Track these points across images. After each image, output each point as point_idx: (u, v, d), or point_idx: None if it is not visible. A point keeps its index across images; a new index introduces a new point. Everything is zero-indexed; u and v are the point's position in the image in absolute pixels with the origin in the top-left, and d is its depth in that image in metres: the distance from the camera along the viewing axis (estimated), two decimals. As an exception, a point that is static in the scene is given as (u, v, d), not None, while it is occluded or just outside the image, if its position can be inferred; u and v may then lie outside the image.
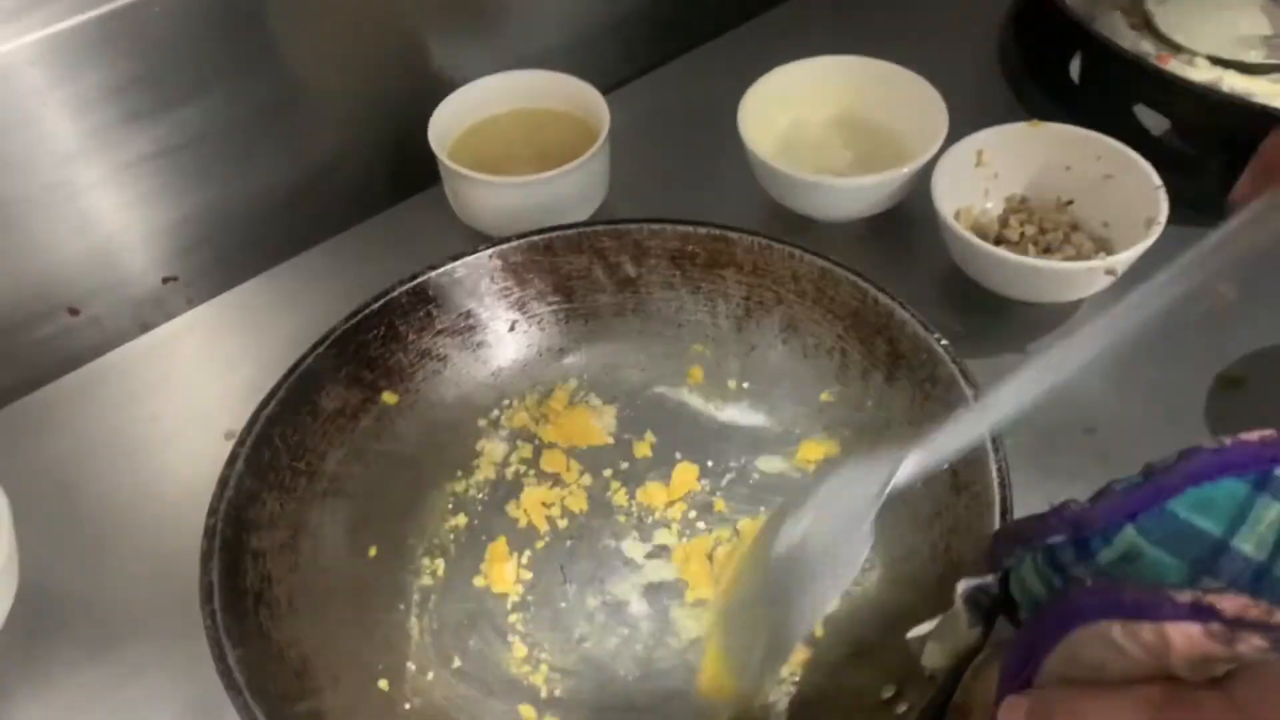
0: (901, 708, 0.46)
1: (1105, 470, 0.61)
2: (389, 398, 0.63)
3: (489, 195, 0.74)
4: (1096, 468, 0.62)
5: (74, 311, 0.74)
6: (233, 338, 0.76)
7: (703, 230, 0.64)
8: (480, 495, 0.64)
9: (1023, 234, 0.71)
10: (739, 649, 0.53)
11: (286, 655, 0.51)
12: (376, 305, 0.63)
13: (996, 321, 0.71)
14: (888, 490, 0.46)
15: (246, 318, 0.77)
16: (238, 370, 0.73)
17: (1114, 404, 0.66)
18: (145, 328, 0.76)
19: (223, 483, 0.54)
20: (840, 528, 0.47)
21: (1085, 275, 0.66)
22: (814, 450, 0.63)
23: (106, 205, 0.73)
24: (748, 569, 0.54)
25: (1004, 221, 0.72)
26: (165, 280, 0.77)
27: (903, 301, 0.59)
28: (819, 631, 0.55)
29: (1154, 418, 0.66)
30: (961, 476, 0.54)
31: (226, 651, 0.48)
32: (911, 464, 0.46)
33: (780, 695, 0.53)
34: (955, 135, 0.71)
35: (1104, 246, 0.70)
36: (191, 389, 0.73)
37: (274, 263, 0.80)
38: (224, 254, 0.80)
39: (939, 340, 0.57)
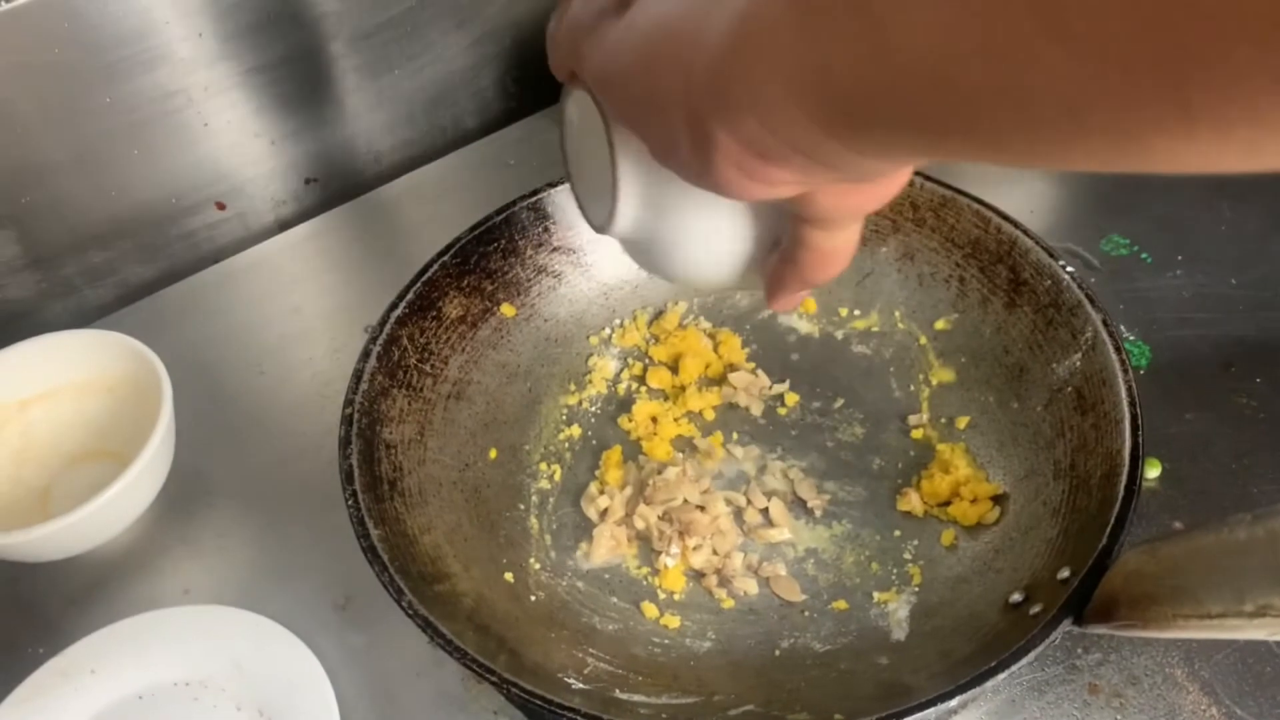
0: (1035, 609, 0.46)
1: (1239, 404, 0.62)
2: (507, 310, 0.64)
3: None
4: (1230, 402, 0.63)
5: (221, 206, 0.77)
6: (369, 238, 0.78)
7: (821, 157, 0.65)
8: (593, 408, 0.65)
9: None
10: None
11: (420, 541, 0.53)
12: (499, 219, 0.64)
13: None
14: None
15: (382, 220, 0.79)
16: (375, 269, 0.75)
17: (1254, 342, 0.66)
18: (285, 225, 0.80)
19: (357, 375, 0.56)
20: None
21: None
22: (930, 378, 0.63)
23: (253, 104, 0.76)
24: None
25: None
26: (307, 181, 0.80)
27: (1026, 229, 0.59)
28: (946, 540, 0.56)
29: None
30: (1088, 398, 0.54)
31: (369, 530, 0.50)
32: None
33: (901, 603, 0.54)
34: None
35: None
36: (330, 285, 0.75)
37: (410, 168, 0.82)
38: (362, 158, 0.83)
39: (1064, 267, 0.57)
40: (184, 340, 0.71)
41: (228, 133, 0.76)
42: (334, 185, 0.82)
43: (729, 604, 0.56)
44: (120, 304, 0.75)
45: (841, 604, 0.55)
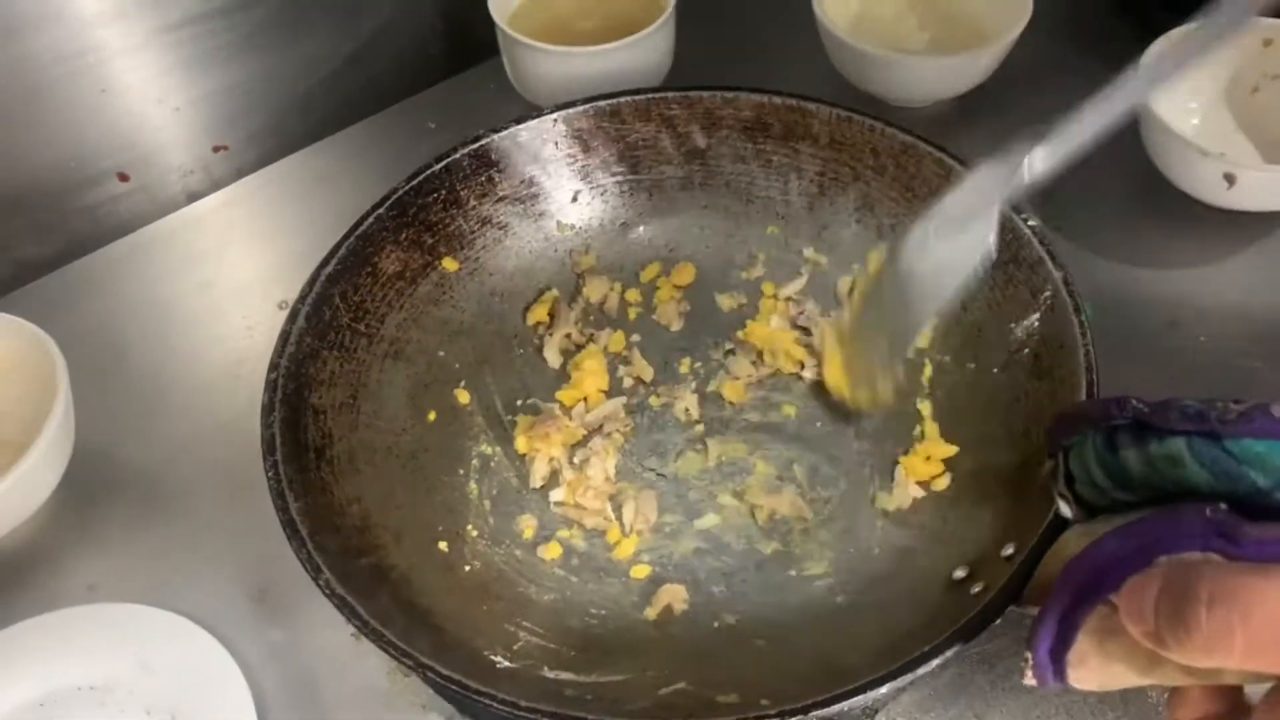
0: (976, 587, 0.45)
1: (1183, 361, 0.60)
2: (449, 264, 0.62)
3: (549, 65, 0.71)
4: (1175, 360, 0.61)
5: (124, 177, 0.73)
6: (283, 209, 0.74)
7: (779, 100, 0.61)
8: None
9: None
10: (862, 365, 0.56)
11: (348, 511, 0.51)
12: (438, 167, 0.61)
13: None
14: (1010, 189, 0.45)
15: (297, 189, 0.75)
16: (289, 241, 0.71)
17: (1198, 301, 0.64)
18: (194, 197, 0.75)
19: (283, 338, 0.53)
20: (961, 230, 0.48)
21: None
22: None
23: (156, 68, 0.71)
24: (871, 292, 0.56)
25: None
26: (215, 149, 0.76)
27: (989, 179, 0.56)
28: (887, 507, 0.54)
29: (1235, 315, 0.64)
30: (1044, 361, 0.52)
31: (289, 503, 0.48)
32: (1041, 157, 0.44)
33: (843, 576, 0.52)
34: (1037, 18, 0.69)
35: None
36: (242, 258, 0.71)
37: (324, 134, 0.78)
38: (274, 124, 0.78)
39: (1026, 221, 0.54)
40: (85, 321, 0.67)
41: (130, 98, 0.71)
42: (245, 154, 0.77)
43: (670, 575, 0.54)
44: (14, 284, 0.70)
45: (783, 575, 0.53)
